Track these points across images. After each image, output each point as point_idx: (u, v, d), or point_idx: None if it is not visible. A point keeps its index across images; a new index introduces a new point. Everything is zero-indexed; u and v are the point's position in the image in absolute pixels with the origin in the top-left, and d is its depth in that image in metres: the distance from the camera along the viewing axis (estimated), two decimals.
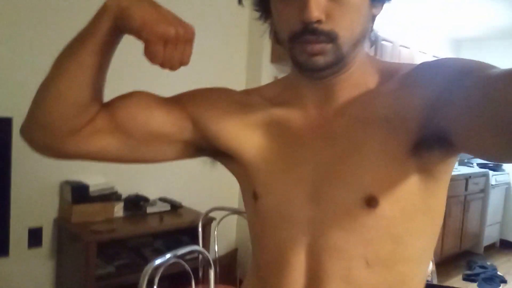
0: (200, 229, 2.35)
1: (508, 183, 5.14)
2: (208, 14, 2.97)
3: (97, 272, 2.12)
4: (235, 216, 2.98)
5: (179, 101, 0.75)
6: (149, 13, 0.59)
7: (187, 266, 1.61)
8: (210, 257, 1.70)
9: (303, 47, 0.62)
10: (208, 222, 2.49)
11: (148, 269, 1.37)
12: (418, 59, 3.91)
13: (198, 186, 3.05)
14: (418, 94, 0.62)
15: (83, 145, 0.69)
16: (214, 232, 2.38)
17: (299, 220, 0.68)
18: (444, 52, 4.67)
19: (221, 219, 2.40)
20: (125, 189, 2.61)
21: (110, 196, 2.43)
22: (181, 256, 1.53)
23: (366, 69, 0.70)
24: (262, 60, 3.17)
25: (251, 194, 0.73)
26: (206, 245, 2.45)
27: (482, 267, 4.35)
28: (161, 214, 2.59)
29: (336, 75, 0.68)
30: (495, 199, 4.91)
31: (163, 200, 2.78)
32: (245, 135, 0.73)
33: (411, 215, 0.65)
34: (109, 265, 2.22)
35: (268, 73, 3.15)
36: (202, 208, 2.58)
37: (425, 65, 0.67)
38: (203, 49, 2.93)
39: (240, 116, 0.74)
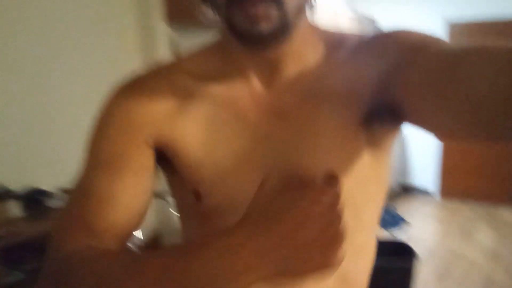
0: None
1: (403, 132, 5.55)
2: None
3: (2, 281, 1.85)
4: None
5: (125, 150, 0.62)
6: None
7: None
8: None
9: (245, 8, 0.53)
10: None
11: None
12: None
13: None
14: (370, 66, 0.61)
15: None
16: None
17: None
18: (339, 6, 4.73)
19: None
20: (18, 184, 2.29)
21: (1, 195, 2.12)
22: None
23: (310, 39, 0.65)
24: (155, 22, 2.82)
25: (191, 195, 0.63)
26: None
27: (385, 211, 4.68)
28: None
29: (280, 45, 0.60)
30: None
31: (66, 191, 2.51)
32: (182, 133, 0.62)
33: (365, 185, 0.64)
34: (16, 271, 1.96)
35: (165, 37, 2.85)
36: None
37: (376, 37, 0.63)
38: (83, 15, 2.64)
39: (172, 112, 0.63)
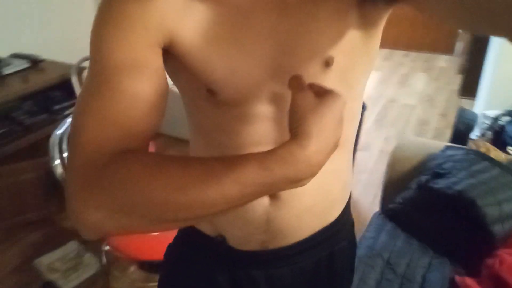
0: (75, 82, 2.19)
1: None
2: None
3: None
4: None
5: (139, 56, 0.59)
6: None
7: None
8: None
9: None
10: (81, 73, 2.32)
11: (55, 140, 1.27)
12: None
13: (58, 34, 2.71)
14: None
15: None
16: None
17: (263, 98, 0.67)
18: None
19: None
20: None
21: None
22: None
23: None
24: None
25: (203, 91, 0.66)
26: None
27: None
28: (21, 73, 2.33)
29: None
30: None
31: (18, 56, 2.46)
32: (190, 31, 0.61)
33: (357, 60, 0.68)
34: None
35: None
36: (69, 59, 2.36)
37: None
38: None
39: (178, 8, 0.60)
